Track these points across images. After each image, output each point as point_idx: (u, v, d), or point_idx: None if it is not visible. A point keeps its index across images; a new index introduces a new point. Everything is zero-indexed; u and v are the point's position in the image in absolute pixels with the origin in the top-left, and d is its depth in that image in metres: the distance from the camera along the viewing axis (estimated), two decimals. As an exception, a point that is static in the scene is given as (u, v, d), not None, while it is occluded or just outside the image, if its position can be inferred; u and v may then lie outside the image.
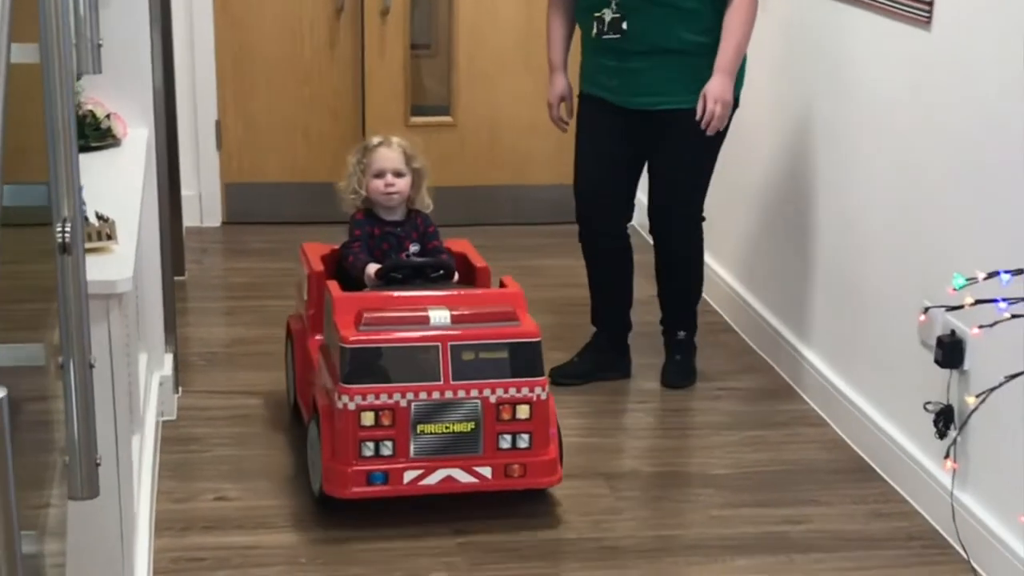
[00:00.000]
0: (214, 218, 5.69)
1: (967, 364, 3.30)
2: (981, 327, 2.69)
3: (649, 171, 4.21)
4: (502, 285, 3.60)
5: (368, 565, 3.16)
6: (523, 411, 3.27)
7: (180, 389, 3.98)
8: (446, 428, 3.22)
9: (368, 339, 3.21)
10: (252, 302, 4.84)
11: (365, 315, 3.24)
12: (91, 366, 1.90)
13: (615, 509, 3.50)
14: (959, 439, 3.31)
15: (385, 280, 3.49)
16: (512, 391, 3.26)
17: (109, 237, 2.57)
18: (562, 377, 4.18)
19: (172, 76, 4.71)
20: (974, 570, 3.22)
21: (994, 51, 3.17)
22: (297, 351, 3.70)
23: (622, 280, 4.35)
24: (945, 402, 3.36)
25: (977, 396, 2.76)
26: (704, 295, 4.55)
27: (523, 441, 3.27)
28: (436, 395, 3.21)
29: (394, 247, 3.65)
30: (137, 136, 3.51)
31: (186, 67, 5.42)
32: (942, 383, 3.37)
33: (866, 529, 3.44)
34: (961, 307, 2.63)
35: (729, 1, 3.90)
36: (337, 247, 3.74)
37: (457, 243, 3.81)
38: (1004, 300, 2.59)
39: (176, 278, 4.31)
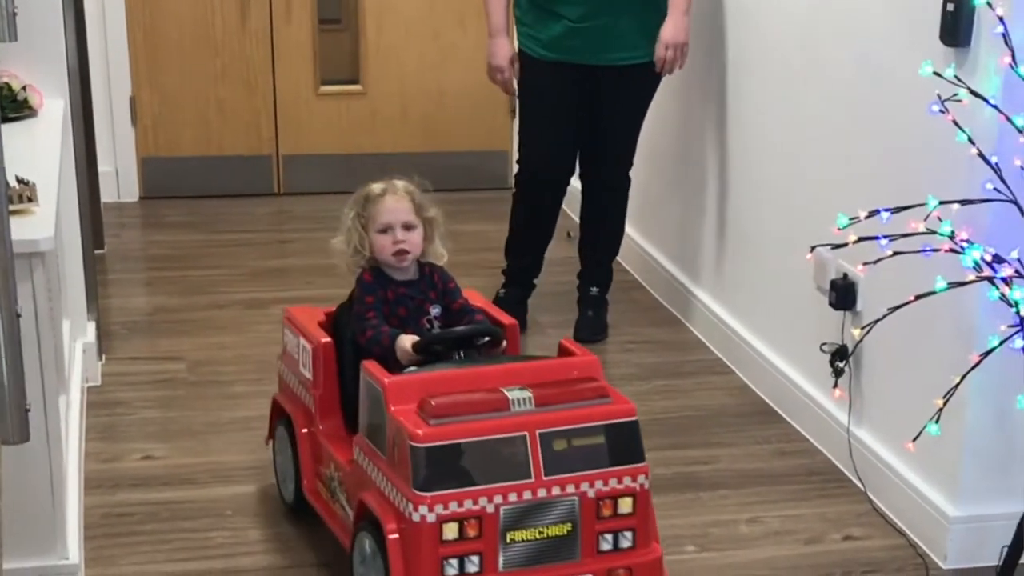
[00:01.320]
0: (131, 193, 5.75)
1: (859, 305, 3.47)
2: (866, 264, 2.86)
3: (592, 122, 4.30)
4: (564, 350, 3.05)
5: (299, 520, 3.27)
6: (625, 504, 2.79)
7: (104, 356, 4.07)
8: (540, 533, 2.72)
9: (444, 433, 2.65)
10: (172, 273, 4.92)
11: (432, 403, 2.68)
12: (17, 315, 2.00)
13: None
14: (853, 378, 3.48)
15: (425, 354, 2.94)
16: (612, 482, 2.76)
17: (30, 199, 2.66)
18: None
19: (85, 52, 4.77)
20: (870, 499, 3.40)
21: (879, 6, 3.33)
22: (302, 441, 3.15)
23: (549, 238, 4.52)
24: (840, 343, 3.53)
25: (862, 328, 2.92)
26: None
27: (626, 540, 2.79)
28: (527, 495, 2.69)
29: (412, 313, 3.08)
30: (53, 107, 3.58)
31: (98, 44, 5.47)
32: (837, 325, 3.54)
33: (769, 467, 3.61)
34: (845, 245, 2.78)
35: None
36: (331, 310, 3.25)
37: (467, 295, 3.27)
38: (885, 237, 2.76)
39: (96, 252, 4.38)
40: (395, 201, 3.06)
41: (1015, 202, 2.66)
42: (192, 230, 5.37)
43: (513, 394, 2.73)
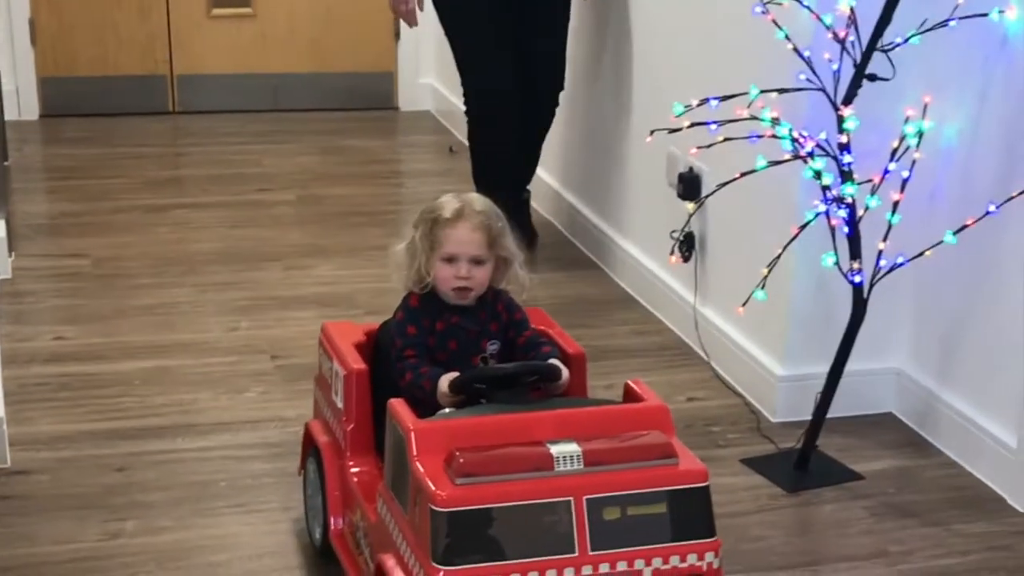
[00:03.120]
0: (31, 111, 6.00)
1: (704, 197, 3.88)
2: (699, 148, 3.26)
3: (527, 43, 4.42)
4: (631, 395, 2.55)
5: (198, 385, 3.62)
6: None
7: (12, 253, 4.36)
8: None
9: (471, 496, 2.22)
10: (73, 182, 5.21)
11: (460, 458, 2.25)
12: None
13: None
14: (699, 261, 3.91)
15: (465, 394, 2.52)
16: (675, 560, 2.30)
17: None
18: None
19: (-15, -26, 5.03)
20: (712, 367, 3.83)
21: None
22: (329, 477, 2.74)
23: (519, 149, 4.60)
24: (688, 230, 3.95)
25: (695, 202, 3.33)
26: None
27: None
28: (569, 573, 2.25)
29: (465, 347, 2.65)
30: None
31: (-3, -33, 5.73)
32: (685, 215, 3.95)
33: (626, 343, 4.03)
34: (679, 129, 3.18)
35: None
36: (373, 328, 2.85)
37: (530, 313, 2.78)
38: (715, 123, 3.16)
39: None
40: (467, 229, 2.63)
41: (823, 90, 3.07)
42: (91, 144, 5.66)
43: (559, 449, 2.29)
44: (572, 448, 2.28)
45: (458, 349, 2.64)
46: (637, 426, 2.40)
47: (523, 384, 2.51)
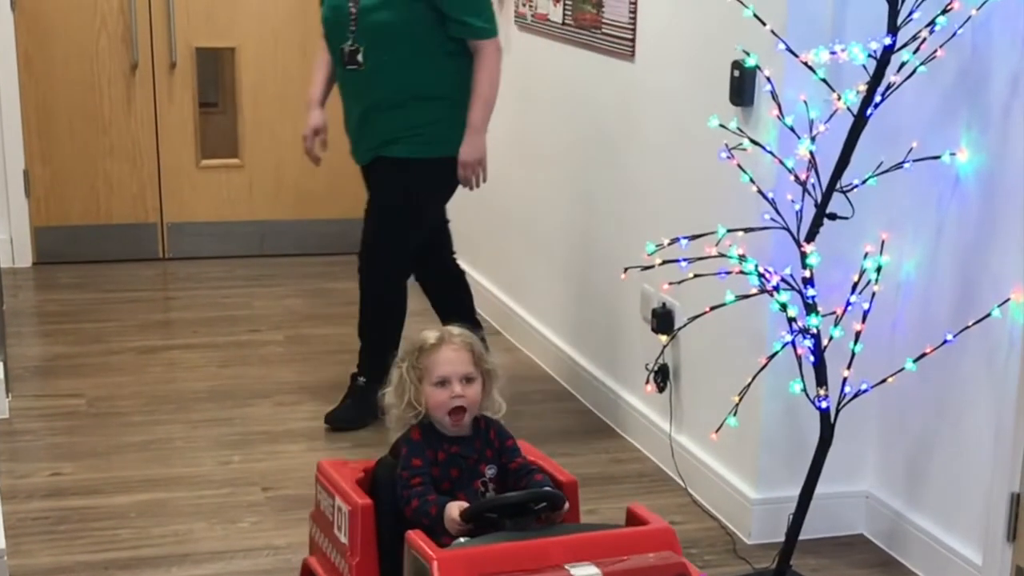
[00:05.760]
0: (25, 259, 6.18)
1: (677, 330, 4.06)
2: (671, 283, 3.44)
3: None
4: (634, 518, 2.68)
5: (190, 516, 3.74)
6: None
7: (10, 394, 4.49)
8: None
9: None
10: (67, 326, 5.36)
11: None
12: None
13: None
14: (673, 392, 4.07)
15: (476, 523, 2.63)
16: None
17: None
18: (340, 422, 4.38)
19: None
20: (689, 492, 3.98)
21: (685, 76, 3.97)
22: None
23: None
24: (663, 362, 4.12)
25: (668, 335, 3.51)
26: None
27: None
28: None
29: (466, 474, 2.80)
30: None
31: (-6, 121, 5.95)
32: (659, 348, 4.13)
33: (606, 471, 4.17)
34: (652, 267, 3.37)
35: (476, 58, 4.25)
36: (370, 465, 2.92)
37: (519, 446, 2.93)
38: (685, 260, 3.35)
39: (-4, 308, 4.82)
40: (453, 351, 2.81)
41: (787, 228, 3.27)
42: (84, 290, 5.82)
43: (580, 572, 2.37)
44: (592, 571, 2.37)
45: (460, 476, 2.78)
46: (647, 548, 2.50)
47: (532, 511, 2.64)
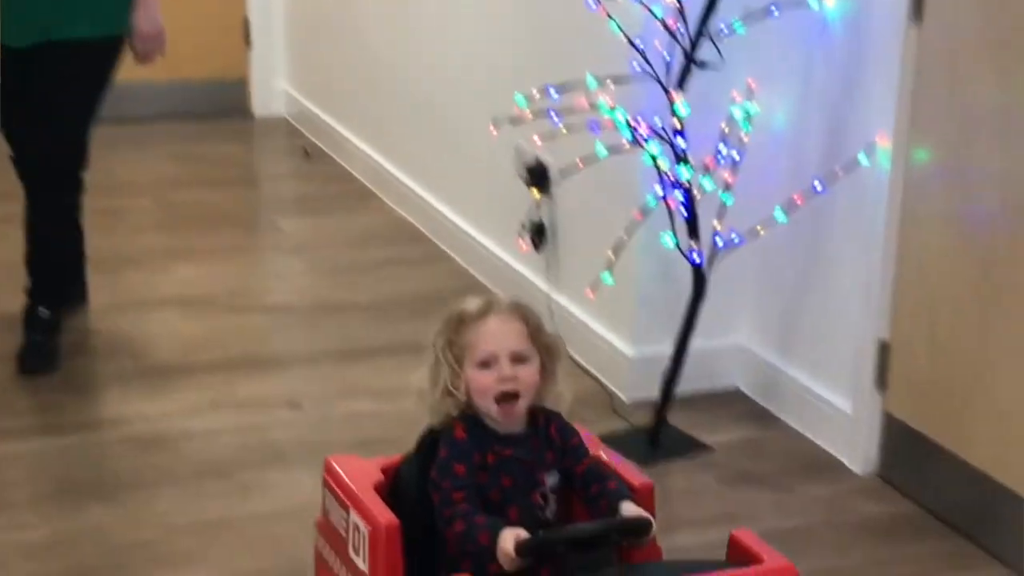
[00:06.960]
0: None
1: (552, 186, 4.01)
2: (542, 139, 3.37)
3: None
4: (741, 549, 2.10)
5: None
6: None
7: None
8: None
9: None
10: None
11: None
12: None
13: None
14: (550, 250, 4.02)
15: (535, 557, 2.08)
16: None
17: None
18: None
19: None
20: (569, 353, 3.94)
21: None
22: None
23: None
24: (538, 220, 4.06)
25: (541, 193, 3.44)
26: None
27: None
28: None
29: (520, 484, 2.21)
30: None
31: None
32: (535, 206, 4.07)
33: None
34: (522, 121, 3.29)
35: None
36: (394, 462, 2.33)
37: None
38: (553, 111, 3.27)
39: None
40: (500, 323, 2.20)
41: (656, 77, 3.20)
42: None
43: None
44: None
45: (513, 486, 2.19)
46: None
47: (611, 542, 2.11)
